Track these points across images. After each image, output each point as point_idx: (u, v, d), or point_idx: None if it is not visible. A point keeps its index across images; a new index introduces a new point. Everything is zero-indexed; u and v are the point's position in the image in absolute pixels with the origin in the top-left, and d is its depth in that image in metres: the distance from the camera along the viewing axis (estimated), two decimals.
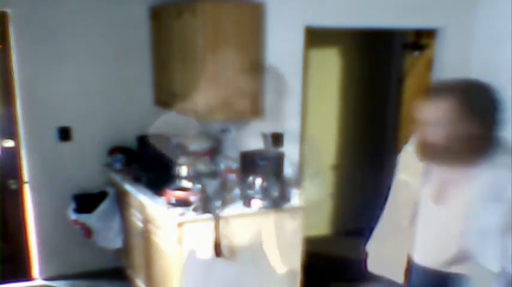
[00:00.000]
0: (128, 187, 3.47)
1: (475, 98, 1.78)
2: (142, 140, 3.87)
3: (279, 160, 3.07)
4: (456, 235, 1.85)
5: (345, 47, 4.51)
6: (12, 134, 3.71)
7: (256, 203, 2.97)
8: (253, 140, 3.20)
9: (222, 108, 3.10)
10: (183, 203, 2.85)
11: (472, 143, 1.77)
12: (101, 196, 3.70)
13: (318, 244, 4.09)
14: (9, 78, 3.62)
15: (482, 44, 3.45)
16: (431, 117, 1.78)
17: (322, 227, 4.66)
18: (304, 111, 3.32)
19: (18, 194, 3.79)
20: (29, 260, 3.91)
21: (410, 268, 2.07)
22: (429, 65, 3.58)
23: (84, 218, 3.60)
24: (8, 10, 3.52)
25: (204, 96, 3.06)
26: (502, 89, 2.61)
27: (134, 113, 3.94)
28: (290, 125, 3.25)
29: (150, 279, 3.37)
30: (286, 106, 3.22)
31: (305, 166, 3.41)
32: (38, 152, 3.76)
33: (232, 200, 3.06)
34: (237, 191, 3.14)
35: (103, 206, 3.64)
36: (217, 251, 2.88)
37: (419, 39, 3.66)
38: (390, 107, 4.61)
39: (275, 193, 3.00)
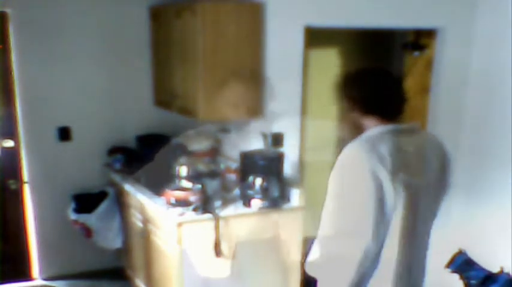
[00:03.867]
0: (128, 187, 3.47)
1: (349, 82, 1.96)
2: (142, 140, 3.88)
3: (279, 160, 3.07)
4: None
5: (345, 47, 4.50)
6: (12, 134, 3.71)
7: (256, 203, 2.97)
8: (253, 140, 3.20)
9: (222, 108, 3.10)
10: (183, 203, 2.85)
11: (350, 124, 1.94)
12: (100, 196, 3.70)
13: None
14: (9, 78, 3.62)
15: (482, 44, 3.45)
16: None
17: None
18: (304, 111, 3.32)
19: (18, 194, 3.79)
20: (29, 260, 3.91)
21: None
22: (429, 65, 3.57)
23: (84, 218, 3.60)
24: (8, 10, 3.52)
25: (203, 96, 3.06)
26: (502, 89, 2.64)
27: (134, 113, 3.95)
28: (290, 125, 3.25)
29: (150, 279, 3.37)
30: (286, 106, 3.22)
31: (305, 165, 3.41)
32: (38, 152, 3.76)
33: (232, 200, 3.06)
34: (237, 191, 3.14)
35: (103, 206, 3.64)
36: (217, 251, 2.88)
37: (419, 39, 3.65)
38: None
39: (275, 193, 3.00)
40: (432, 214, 1.92)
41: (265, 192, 2.97)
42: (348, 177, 1.76)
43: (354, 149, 1.80)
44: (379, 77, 1.98)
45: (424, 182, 1.80)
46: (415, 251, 1.85)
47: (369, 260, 1.71)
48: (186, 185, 2.94)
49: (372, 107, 1.89)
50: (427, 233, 1.91)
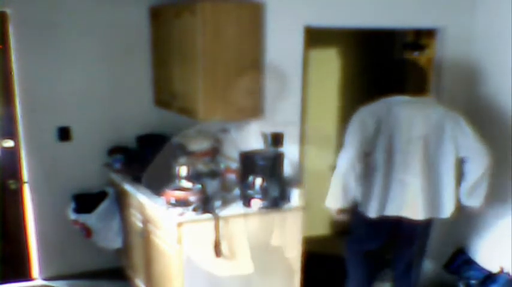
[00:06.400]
0: (128, 187, 3.47)
1: None
2: (142, 140, 3.88)
3: (279, 160, 3.07)
4: None
5: (345, 47, 4.51)
6: (12, 134, 3.71)
7: (256, 203, 2.97)
8: (253, 140, 3.20)
9: (222, 108, 3.10)
10: (183, 203, 2.85)
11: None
12: (100, 196, 3.70)
13: (318, 244, 4.09)
14: (9, 78, 3.62)
15: (482, 44, 3.45)
16: None
17: (322, 227, 4.66)
18: (304, 111, 3.32)
19: (18, 194, 3.80)
20: (29, 260, 3.92)
21: None
22: (429, 65, 3.58)
23: (84, 218, 3.60)
24: (8, 10, 3.52)
25: (203, 96, 3.06)
26: (502, 89, 2.61)
27: (134, 113, 3.94)
28: (290, 125, 3.25)
29: (149, 279, 3.37)
30: (286, 106, 3.22)
31: (305, 165, 3.41)
32: (38, 152, 3.76)
33: (232, 200, 3.06)
34: (237, 191, 3.14)
35: (103, 206, 3.64)
36: (217, 251, 2.88)
37: (419, 39, 3.66)
38: None
39: (275, 193, 3.00)
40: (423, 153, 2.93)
41: (265, 192, 2.97)
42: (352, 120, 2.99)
43: (360, 108, 3.03)
44: (393, 65, 3.21)
45: (404, 131, 2.89)
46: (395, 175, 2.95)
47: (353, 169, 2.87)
48: (186, 185, 2.94)
49: (386, 87, 3.01)
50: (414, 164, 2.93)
